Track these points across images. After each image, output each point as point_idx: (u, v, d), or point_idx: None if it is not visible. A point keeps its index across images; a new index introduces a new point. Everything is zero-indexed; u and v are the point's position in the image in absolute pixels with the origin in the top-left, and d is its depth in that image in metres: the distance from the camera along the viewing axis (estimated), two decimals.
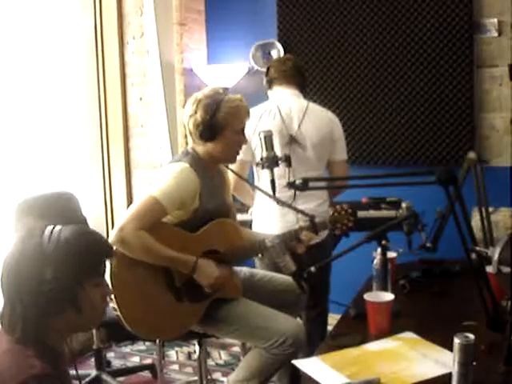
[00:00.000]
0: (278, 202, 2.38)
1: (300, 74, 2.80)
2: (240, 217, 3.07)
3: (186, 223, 2.17)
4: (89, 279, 1.37)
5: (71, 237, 1.35)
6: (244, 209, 3.05)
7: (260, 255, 2.48)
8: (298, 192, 2.34)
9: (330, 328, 2.30)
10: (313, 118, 2.67)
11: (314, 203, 2.60)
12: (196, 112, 2.17)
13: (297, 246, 2.25)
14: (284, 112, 2.65)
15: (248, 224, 2.78)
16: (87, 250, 1.37)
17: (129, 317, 2.06)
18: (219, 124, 2.17)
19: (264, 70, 2.93)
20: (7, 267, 1.32)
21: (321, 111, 2.77)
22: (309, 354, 2.00)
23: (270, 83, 2.80)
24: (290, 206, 2.41)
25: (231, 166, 2.44)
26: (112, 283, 2.01)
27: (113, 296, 2.02)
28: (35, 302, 1.30)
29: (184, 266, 2.11)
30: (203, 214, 2.19)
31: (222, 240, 2.24)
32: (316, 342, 2.48)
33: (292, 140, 2.61)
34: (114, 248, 2.01)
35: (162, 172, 2.19)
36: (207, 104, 2.16)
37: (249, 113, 2.28)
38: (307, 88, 2.90)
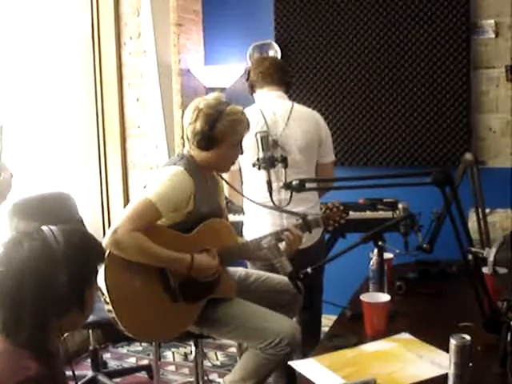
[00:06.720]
0: (269, 205, 2.38)
1: (280, 71, 2.72)
2: (239, 218, 3.07)
3: (179, 224, 2.17)
4: (93, 280, 1.42)
5: (78, 238, 1.38)
6: (240, 210, 3.04)
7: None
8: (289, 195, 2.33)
9: (325, 329, 2.30)
10: (298, 121, 2.63)
11: (305, 206, 2.58)
12: (196, 121, 2.16)
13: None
14: (268, 117, 2.61)
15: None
16: (93, 252, 1.41)
17: (125, 319, 2.05)
18: (217, 136, 2.16)
19: None
20: (5, 269, 1.31)
21: (306, 113, 2.72)
22: (302, 356, 2.00)
23: (252, 87, 2.75)
24: (280, 209, 2.41)
25: (224, 175, 2.44)
26: (107, 286, 2.01)
27: (108, 299, 2.02)
28: (42, 303, 1.29)
29: (180, 265, 2.10)
30: (197, 216, 2.19)
31: (214, 239, 2.24)
32: (310, 343, 2.47)
33: (274, 144, 2.54)
34: (109, 251, 2.01)
35: (157, 174, 2.18)
36: (208, 114, 2.15)
37: (249, 126, 2.26)
38: (303, 88, 2.87)
